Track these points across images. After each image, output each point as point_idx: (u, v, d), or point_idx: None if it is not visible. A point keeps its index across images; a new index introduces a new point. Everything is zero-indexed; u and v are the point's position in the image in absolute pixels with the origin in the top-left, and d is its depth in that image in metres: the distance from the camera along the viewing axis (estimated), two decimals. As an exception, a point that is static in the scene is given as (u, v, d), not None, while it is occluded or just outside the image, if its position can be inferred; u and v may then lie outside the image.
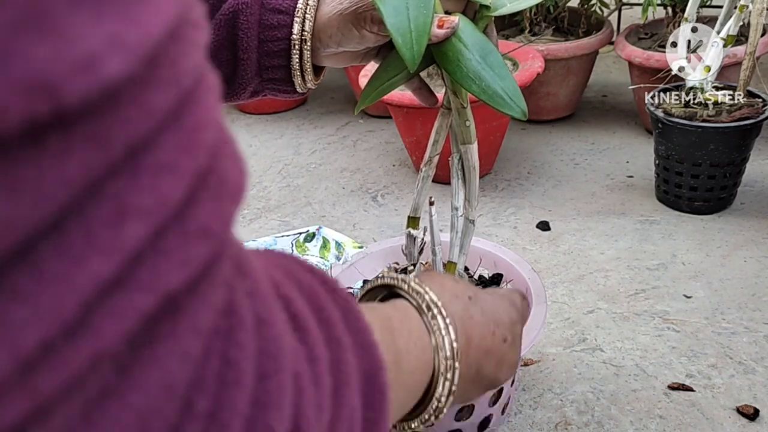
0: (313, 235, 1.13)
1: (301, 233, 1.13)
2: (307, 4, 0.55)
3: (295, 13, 0.55)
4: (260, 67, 0.57)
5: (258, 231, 1.23)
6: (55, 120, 0.16)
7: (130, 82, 0.17)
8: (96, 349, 0.17)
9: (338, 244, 1.09)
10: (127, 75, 0.17)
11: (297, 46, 0.56)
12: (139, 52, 0.17)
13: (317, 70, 0.60)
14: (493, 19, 0.57)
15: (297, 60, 0.57)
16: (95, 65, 0.16)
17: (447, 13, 0.56)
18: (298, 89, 0.59)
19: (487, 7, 0.56)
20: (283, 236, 1.13)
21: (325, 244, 1.11)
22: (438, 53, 0.54)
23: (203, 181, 0.20)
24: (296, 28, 0.55)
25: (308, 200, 1.32)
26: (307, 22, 0.55)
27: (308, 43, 0.56)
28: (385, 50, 0.60)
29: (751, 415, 0.77)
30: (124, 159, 0.17)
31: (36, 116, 0.15)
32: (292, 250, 1.12)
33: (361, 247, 1.04)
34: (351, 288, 0.85)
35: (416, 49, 0.49)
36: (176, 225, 0.19)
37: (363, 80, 1.26)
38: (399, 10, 0.49)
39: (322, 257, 1.10)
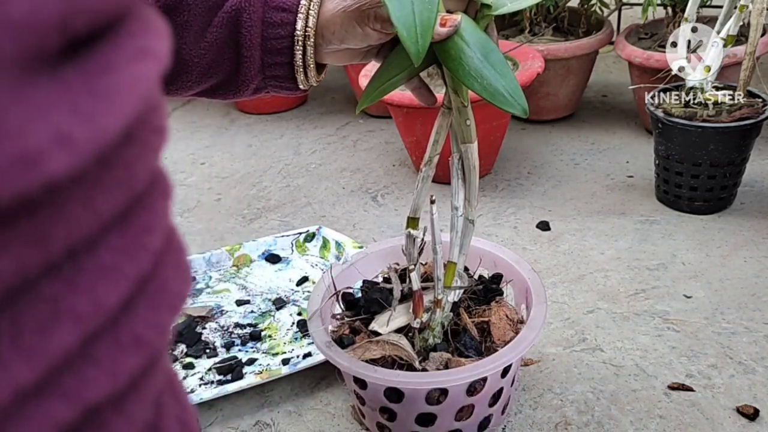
0: (313, 235, 1.13)
1: (301, 233, 1.13)
2: (311, 1, 0.55)
3: (299, 9, 0.55)
4: (263, 64, 0.57)
5: (258, 231, 1.22)
6: None
7: (77, 182, 0.16)
8: None
9: (338, 244, 1.09)
10: (72, 174, 0.16)
11: (300, 43, 0.56)
12: (88, 150, 0.16)
13: (319, 67, 0.60)
14: (493, 18, 0.58)
15: (300, 57, 0.57)
16: (36, 162, 0.15)
17: (449, 11, 0.56)
18: (301, 86, 0.59)
19: (488, 6, 0.56)
20: (283, 236, 1.13)
21: (325, 244, 1.11)
22: (440, 51, 0.55)
23: (143, 288, 0.19)
24: (300, 24, 0.55)
25: (308, 200, 1.32)
26: (310, 18, 0.55)
27: (311, 40, 0.56)
28: (386, 50, 0.61)
29: (751, 415, 0.77)
30: (64, 259, 0.16)
31: None
32: (292, 250, 1.12)
33: (361, 247, 1.04)
34: (351, 288, 0.85)
35: (421, 44, 0.49)
36: (109, 332, 0.18)
37: (363, 80, 1.26)
38: (404, 4, 0.49)
39: (322, 257, 1.10)
